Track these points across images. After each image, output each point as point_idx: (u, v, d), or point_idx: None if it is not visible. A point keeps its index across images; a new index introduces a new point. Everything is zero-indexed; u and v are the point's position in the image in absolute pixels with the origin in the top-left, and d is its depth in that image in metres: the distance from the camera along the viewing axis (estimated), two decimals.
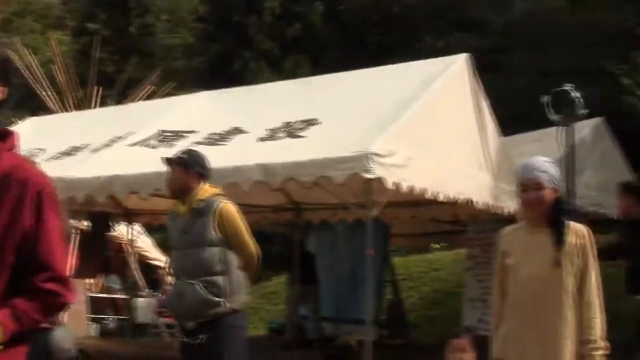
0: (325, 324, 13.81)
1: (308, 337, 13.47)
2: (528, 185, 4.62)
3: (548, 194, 4.61)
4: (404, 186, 7.37)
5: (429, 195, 7.87)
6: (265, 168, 7.48)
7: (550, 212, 4.67)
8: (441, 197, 8.14)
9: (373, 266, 9.15)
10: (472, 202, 8.79)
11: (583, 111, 8.09)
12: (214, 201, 5.67)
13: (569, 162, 9.12)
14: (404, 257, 20.11)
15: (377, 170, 6.89)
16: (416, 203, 11.18)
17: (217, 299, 5.50)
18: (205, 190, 5.78)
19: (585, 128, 12.26)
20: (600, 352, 4.61)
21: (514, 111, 15.58)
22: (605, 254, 8.18)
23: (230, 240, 5.61)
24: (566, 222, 4.69)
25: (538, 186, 4.60)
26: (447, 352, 4.58)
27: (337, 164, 7.06)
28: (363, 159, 6.88)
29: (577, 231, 4.68)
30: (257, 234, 5.91)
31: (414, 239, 15.87)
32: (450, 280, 16.92)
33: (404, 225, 14.17)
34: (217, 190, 5.83)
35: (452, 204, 10.63)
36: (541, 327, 4.57)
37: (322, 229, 13.87)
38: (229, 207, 5.71)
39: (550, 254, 4.61)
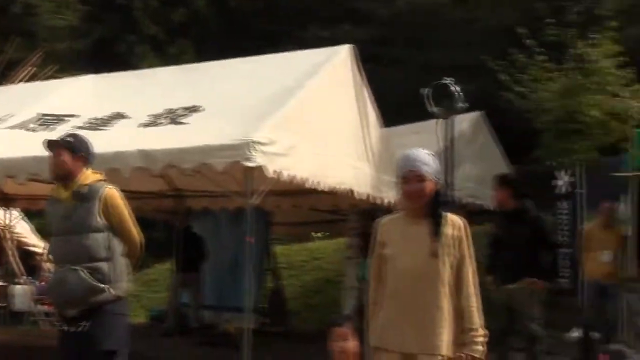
0: (207, 311, 13.77)
1: (189, 325, 13.40)
2: (409, 177, 4.70)
3: (429, 186, 4.71)
4: (285, 175, 7.40)
5: (309, 184, 7.92)
6: (146, 154, 7.38)
7: (430, 204, 4.78)
8: (322, 187, 8.20)
9: (254, 254, 9.16)
10: (352, 192, 8.89)
11: (462, 105, 8.27)
12: (99, 187, 5.58)
13: (447, 155, 9.31)
14: (285, 245, 20.19)
15: (258, 159, 6.89)
16: (297, 192, 11.23)
17: (102, 285, 5.42)
18: (88, 175, 5.68)
19: (464, 121, 12.54)
20: (481, 339, 4.75)
21: (396, 103, 15.79)
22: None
23: (114, 227, 5.53)
24: (443, 213, 4.81)
25: (419, 178, 4.68)
26: (329, 340, 4.63)
27: (218, 151, 7.04)
28: (244, 147, 6.87)
29: (454, 222, 4.80)
30: (139, 221, 5.84)
31: (295, 227, 15.92)
32: (330, 268, 17.11)
33: (285, 214, 14.21)
34: (100, 176, 5.74)
35: (333, 194, 10.73)
36: (418, 316, 4.66)
37: (204, 216, 13.79)
38: (115, 193, 5.62)
39: (428, 245, 4.70)
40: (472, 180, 12.25)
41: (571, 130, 8.97)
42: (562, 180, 13.57)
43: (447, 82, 8.58)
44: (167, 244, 17.06)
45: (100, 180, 5.66)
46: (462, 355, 4.72)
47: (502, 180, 9.03)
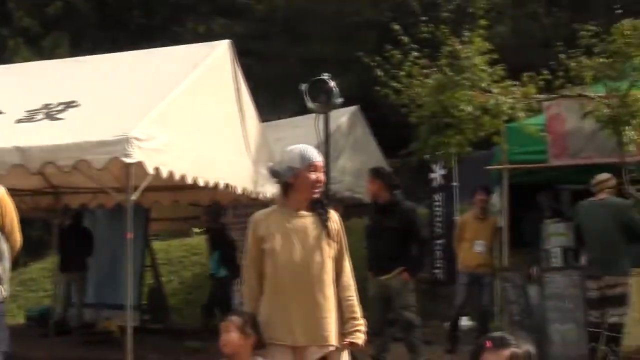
0: (87, 310, 13.52)
1: (70, 324, 13.16)
2: (317, 167, 4.82)
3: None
4: (164, 171, 7.38)
5: (189, 180, 7.92)
6: (22, 151, 7.21)
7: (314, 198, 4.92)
8: (201, 182, 8.21)
9: (133, 251, 9.05)
10: (231, 187, 8.93)
11: (339, 99, 8.40)
12: None
13: (325, 148, 9.45)
14: (164, 241, 20.03)
15: (136, 155, 6.85)
16: (177, 187, 11.21)
17: None
18: None
19: (341, 116, 12.75)
20: (362, 328, 4.90)
21: (274, 97, 15.91)
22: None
23: (5, 227, 5.40)
24: (327, 206, 4.95)
25: (323, 168, 4.85)
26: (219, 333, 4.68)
27: (96, 147, 6.95)
28: (123, 143, 6.82)
29: (332, 216, 4.94)
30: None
31: (174, 223, 15.84)
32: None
33: (164, 210, 14.13)
34: None
35: (213, 189, 10.75)
36: (307, 306, 4.74)
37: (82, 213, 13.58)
38: (5, 193, 5.50)
39: (314, 238, 4.81)
40: (349, 174, 12.48)
41: (445, 124, 9.22)
42: (437, 174, 13.95)
43: (324, 77, 8.70)
44: (43, 243, 16.68)
45: None
46: (345, 344, 4.86)
47: (375, 173, 9.22)
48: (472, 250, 10.91)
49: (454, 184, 13.28)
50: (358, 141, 13.54)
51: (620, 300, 9.21)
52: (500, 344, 2.90)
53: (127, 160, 6.77)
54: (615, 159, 9.52)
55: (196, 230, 19.91)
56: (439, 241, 13.28)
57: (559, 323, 9.56)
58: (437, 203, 13.87)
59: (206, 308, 13.06)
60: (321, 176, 4.81)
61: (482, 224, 11.08)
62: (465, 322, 11.58)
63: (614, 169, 9.50)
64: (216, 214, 12.59)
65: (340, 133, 12.59)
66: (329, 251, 4.83)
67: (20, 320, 15.43)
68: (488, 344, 2.92)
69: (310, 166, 4.80)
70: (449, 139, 9.09)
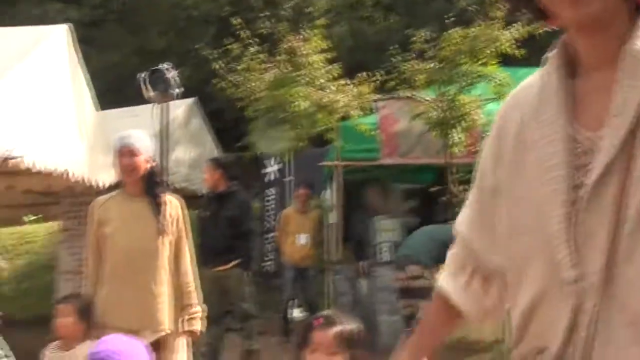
0: None
1: None
2: (123, 152, 4.87)
3: (142, 161, 4.90)
4: None
5: (24, 165, 7.73)
6: None
7: (146, 182, 4.96)
8: (37, 168, 8.03)
9: None
10: (67, 173, 8.77)
11: (177, 90, 8.45)
12: None
13: (162, 139, 9.47)
14: None
15: None
16: (11, 172, 10.89)
17: None
18: None
19: (179, 107, 12.73)
20: (199, 315, 4.99)
21: (111, 86, 15.68)
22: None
23: None
24: (161, 192, 5.01)
25: (132, 153, 4.87)
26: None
27: None
28: None
29: (171, 202, 5.01)
30: None
31: (6, 210, 15.31)
32: (43, 252, 16.68)
33: None
34: None
35: (47, 175, 10.49)
36: (140, 291, 4.81)
37: None
38: None
39: (149, 223, 4.88)
40: (185, 165, 12.49)
41: (280, 119, 9.41)
42: (271, 168, 14.15)
43: (163, 67, 8.72)
44: None
45: None
46: (182, 331, 4.95)
47: (214, 163, 9.33)
48: (296, 243, 11.13)
49: (288, 179, 13.50)
50: (194, 133, 13.52)
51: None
52: (328, 322, 3.08)
53: None
54: (442, 159, 10.00)
55: (30, 217, 19.33)
56: (269, 235, 13.46)
57: (386, 314, 9.94)
58: (270, 197, 14.06)
59: None
60: (125, 160, 4.87)
61: (305, 218, 11.32)
62: (297, 313, 11.81)
63: (440, 169, 10.02)
64: None
65: (176, 124, 12.55)
66: (164, 237, 4.91)
67: None
68: (316, 322, 3.10)
69: (117, 152, 4.91)
70: (283, 134, 9.27)
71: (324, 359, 3.00)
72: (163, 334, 4.86)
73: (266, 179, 14.23)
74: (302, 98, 9.14)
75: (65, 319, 4.61)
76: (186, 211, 5.15)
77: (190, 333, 5.01)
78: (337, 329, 3.04)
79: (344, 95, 9.37)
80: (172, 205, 5.02)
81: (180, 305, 5.00)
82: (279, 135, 9.43)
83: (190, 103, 13.41)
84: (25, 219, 19.37)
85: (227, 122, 16.44)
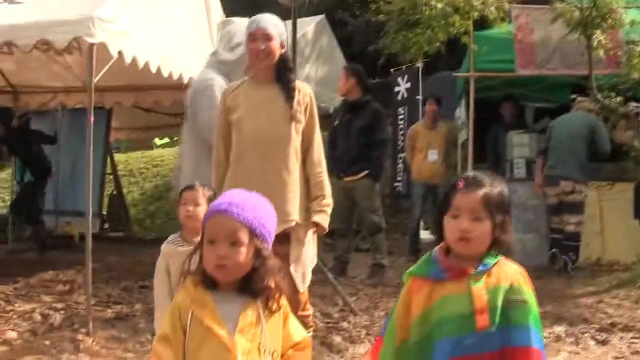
0: (46, 217, 13.16)
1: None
2: (257, 36, 4.68)
3: (276, 46, 4.71)
4: (128, 56, 7.13)
5: (153, 69, 7.68)
6: None
7: (278, 68, 4.78)
8: (166, 73, 8.00)
9: (94, 156, 8.67)
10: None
11: None
12: None
13: (293, 52, 9.31)
14: (125, 154, 19.86)
15: (100, 36, 6.60)
16: (139, 88, 11.02)
17: None
18: None
19: (308, 25, 12.61)
20: (328, 208, 4.80)
21: None
22: None
23: None
24: (294, 78, 4.82)
25: (267, 37, 4.67)
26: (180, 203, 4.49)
27: (58, 27, 6.66)
28: (86, 22, 6.53)
29: (301, 89, 4.82)
30: None
31: (135, 132, 15.61)
32: (171, 176, 16.93)
33: (125, 118, 13.93)
34: None
35: (176, 89, 10.54)
36: (269, 179, 4.61)
37: (42, 118, 13.23)
38: None
39: (280, 109, 4.70)
40: (315, 83, 12.35)
41: (414, 22, 9.08)
42: (402, 87, 13.89)
43: None
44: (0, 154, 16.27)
45: None
46: (311, 223, 4.77)
47: (350, 70, 9.16)
48: (427, 160, 10.86)
49: (419, 97, 13.22)
50: (324, 51, 13.37)
51: (576, 208, 9.32)
52: (474, 184, 2.81)
53: (91, 40, 6.48)
54: (581, 71, 9.53)
55: (158, 141, 19.72)
56: (401, 155, 13.24)
57: (521, 233, 9.64)
58: (401, 117, 13.82)
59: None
60: (260, 45, 4.66)
61: (434, 133, 11.03)
62: (426, 235, 11.60)
63: (578, 86, 9.58)
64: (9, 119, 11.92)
65: (306, 42, 12.43)
66: (295, 125, 4.73)
67: None
68: (460, 184, 2.84)
69: (250, 36, 4.71)
70: (418, 36, 8.94)
71: (467, 225, 2.75)
72: (292, 224, 4.69)
73: (397, 99, 13.99)
74: None
75: (190, 207, 4.36)
76: (314, 102, 4.97)
77: (318, 226, 4.81)
78: (483, 191, 2.77)
79: None
80: (303, 92, 4.83)
81: (310, 196, 4.82)
82: (412, 37, 9.08)
83: (320, 20, 13.25)
84: (156, 141, 19.82)
85: (356, 45, 16.26)
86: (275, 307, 2.69)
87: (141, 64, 7.43)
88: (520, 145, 10.50)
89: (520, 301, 2.74)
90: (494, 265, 2.79)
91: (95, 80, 6.64)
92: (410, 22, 9.03)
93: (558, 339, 6.42)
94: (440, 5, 8.78)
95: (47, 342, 6.14)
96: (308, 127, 4.80)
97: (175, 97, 10.78)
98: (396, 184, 13.72)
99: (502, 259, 2.83)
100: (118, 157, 17.37)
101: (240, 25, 5.57)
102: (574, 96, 9.70)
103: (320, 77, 12.77)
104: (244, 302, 2.64)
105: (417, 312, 2.81)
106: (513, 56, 10.01)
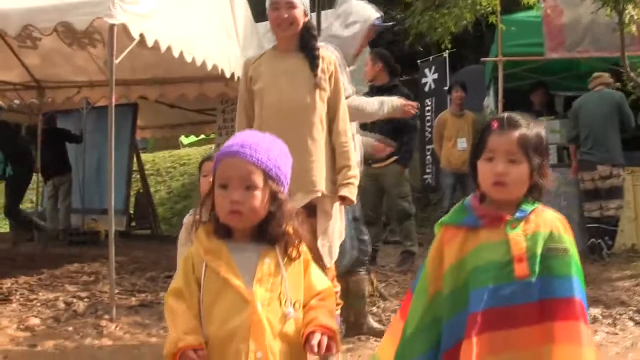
0: (73, 216, 13.11)
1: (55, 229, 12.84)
2: (280, 4, 4.52)
3: (299, 14, 4.55)
4: (150, 39, 7.01)
5: (175, 53, 7.54)
6: (1, 14, 6.82)
7: (301, 36, 4.62)
8: (188, 58, 7.86)
9: (119, 152, 8.59)
10: (219, 70, 8.59)
11: None
12: None
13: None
14: (151, 153, 19.84)
15: (120, 16, 6.48)
16: (163, 81, 10.94)
17: None
18: None
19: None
20: (355, 181, 4.62)
21: None
22: None
23: None
24: (317, 46, 4.65)
25: (290, 5, 4.52)
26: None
27: (78, 9, 6.55)
28: (106, 2, 6.43)
29: (326, 57, 4.65)
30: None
31: (161, 130, 15.55)
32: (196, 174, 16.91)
33: (151, 117, 13.88)
34: None
35: (199, 81, 10.45)
36: (293, 148, 4.44)
37: (68, 115, 13.23)
38: None
39: (303, 77, 4.54)
40: None
41: (439, 1, 8.89)
42: (429, 78, 13.72)
43: None
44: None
45: None
46: (337, 196, 4.60)
47: (376, 54, 9.02)
48: (455, 147, 10.65)
49: (446, 88, 13.03)
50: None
51: (615, 192, 9.13)
52: (509, 124, 2.66)
53: (111, 20, 6.36)
54: (612, 53, 9.32)
55: (184, 140, 19.65)
56: (429, 146, 13.06)
57: None
58: (428, 108, 13.65)
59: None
60: (283, 13, 4.51)
61: (461, 120, 10.82)
62: None
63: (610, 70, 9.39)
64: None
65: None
66: (320, 93, 4.56)
67: (5, 229, 15.18)
68: (494, 124, 2.68)
69: (272, 4, 4.55)
70: (444, 16, 8.74)
71: (502, 168, 2.60)
72: (318, 194, 4.51)
73: (424, 90, 13.82)
74: None
75: (211, 177, 4.22)
76: (339, 69, 4.80)
77: (343, 199, 4.62)
78: (519, 131, 2.62)
79: None
80: (327, 60, 4.67)
81: (336, 167, 4.65)
82: (439, 16, 8.87)
83: None
84: (183, 140, 19.77)
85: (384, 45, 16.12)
86: (294, 254, 2.55)
87: (163, 48, 7.30)
88: (550, 131, 10.28)
89: (560, 249, 2.60)
90: (531, 212, 2.66)
91: (117, 61, 6.52)
92: (437, 2, 8.83)
93: (594, 320, 6.26)
94: None
95: (70, 328, 6.07)
96: (333, 95, 4.63)
97: (200, 90, 10.70)
98: (425, 176, 13.54)
99: (539, 205, 2.69)
100: (145, 156, 17.35)
101: (356, 5, 5.49)
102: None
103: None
104: (261, 251, 2.52)
105: (449, 262, 2.67)
106: (542, 39, 9.83)
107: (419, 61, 14.02)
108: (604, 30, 9.19)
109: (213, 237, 2.52)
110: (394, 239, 10.47)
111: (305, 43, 4.61)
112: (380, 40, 16.32)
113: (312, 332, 2.45)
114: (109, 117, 6.58)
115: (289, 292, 2.48)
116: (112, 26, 6.44)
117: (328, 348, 2.46)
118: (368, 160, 8.62)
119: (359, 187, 4.68)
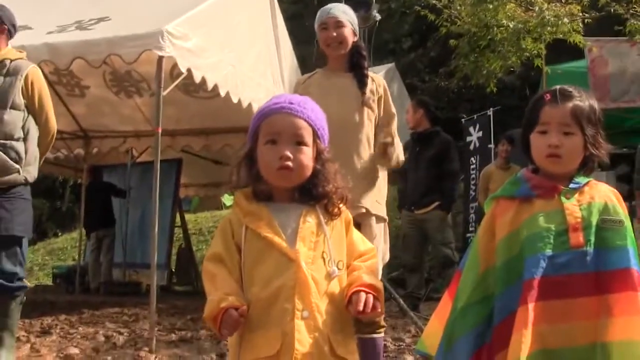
0: (115, 270, 13.13)
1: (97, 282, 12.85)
2: (328, 24, 4.56)
3: (348, 33, 4.57)
4: (197, 75, 7.08)
5: (222, 92, 7.60)
6: (51, 47, 6.90)
7: (350, 56, 4.64)
8: (234, 99, 7.90)
9: (162, 205, 8.55)
10: None
11: (377, 14, 8.18)
12: (23, 64, 5.18)
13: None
14: (193, 213, 19.89)
15: (170, 50, 6.57)
16: (208, 131, 10.99)
17: (16, 165, 5.03)
18: (10, 51, 5.30)
19: (378, 72, 12.51)
20: (397, 139, 4.55)
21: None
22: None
23: (33, 107, 5.14)
24: (367, 66, 4.67)
25: (338, 24, 4.56)
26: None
27: (127, 41, 6.66)
28: (156, 35, 6.52)
29: (375, 79, 4.66)
30: (46, 190, 5.40)
31: (204, 188, 15.62)
32: None
33: (194, 174, 13.94)
34: (23, 55, 5.36)
35: (245, 132, 10.45)
36: (338, 164, 4.41)
37: (112, 169, 13.35)
38: (38, 73, 5.24)
39: (352, 95, 4.54)
40: None
41: (483, 45, 8.89)
42: (474, 136, 13.65)
43: None
44: (73, 214, 16.48)
45: (23, 58, 5.29)
46: (382, 218, 4.56)
47: (417, 101, 9.06)
48: None
49: (491, 145, 12.95)
50: (394, 98, 13.23)
51: None
52: (562, 95, 2.62)
53: (160, 52, 6.43)
54: None
55: (227, 202, 19.67)
56: (472, 204, 12.93)
57: None
58: (472, 166, 13.55)
59: None
60: (331, 33, 4.53)
61: (507, 174, 10.70)
62: None
63: None
64: None
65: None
66: (367, 112, 4.56)
67: (48, 282, 15.26)
68: (547, 96, 2.64)
69: (321, 24, 4.59)
70: (490, 62, 8.73)
71: (556, 139, 2.55)
72: (362, 211, 4.45)
73: (469, 148, 13.75)
74: (507, 18, 8.53)
75: None
76: (389, 92, 4.78)
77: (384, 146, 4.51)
78: (573, 102, 2.58)
79: (552, 12, 8.61)
80: (377, 82, 4.67)
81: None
82: (484, 62, 8.87)
83: (390, 67, 13.21)
84: (225, 201, 19.80)
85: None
86: (335, 210, 2.49)
87: (210, 86, 7.35)
88: None
89: (616, 221, 2.53)
90: (585, 185, 2.58)
91: (165, 93, 6.56)
92: (482, 45, 8.84)
93: None
94: (511, 24, 8.55)
95: (109, 358, 5.98)
96: (384, 117, 4.61)
97: (245, 140, 10.71)
98: (468, 234, 13.36)
99: (592, 179, 2.62)
100: (187, 216, 17.35)
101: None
102: None
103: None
104: (302, 210, 2.46)
105: (502, 234, 2.60)
106: (587, 90, 9.78)
107: (463, 119, 13.98)
108: None
109: (252, 200, 2.46)
110: (437, 296, 10.32)
111: (354, 63, 4.63)
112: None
113: (357, 292, 2.38)
114: (155, 160, 6.59)
115: (332, 251, 2.42)
116: (160, 58, 6.52)
117: (373, 307, 2.39)
118: (410, 206, 8.63)
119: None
